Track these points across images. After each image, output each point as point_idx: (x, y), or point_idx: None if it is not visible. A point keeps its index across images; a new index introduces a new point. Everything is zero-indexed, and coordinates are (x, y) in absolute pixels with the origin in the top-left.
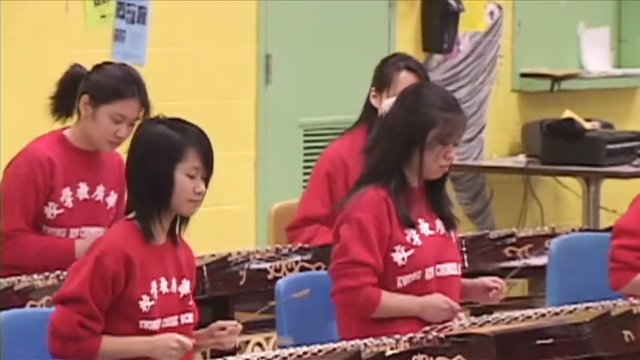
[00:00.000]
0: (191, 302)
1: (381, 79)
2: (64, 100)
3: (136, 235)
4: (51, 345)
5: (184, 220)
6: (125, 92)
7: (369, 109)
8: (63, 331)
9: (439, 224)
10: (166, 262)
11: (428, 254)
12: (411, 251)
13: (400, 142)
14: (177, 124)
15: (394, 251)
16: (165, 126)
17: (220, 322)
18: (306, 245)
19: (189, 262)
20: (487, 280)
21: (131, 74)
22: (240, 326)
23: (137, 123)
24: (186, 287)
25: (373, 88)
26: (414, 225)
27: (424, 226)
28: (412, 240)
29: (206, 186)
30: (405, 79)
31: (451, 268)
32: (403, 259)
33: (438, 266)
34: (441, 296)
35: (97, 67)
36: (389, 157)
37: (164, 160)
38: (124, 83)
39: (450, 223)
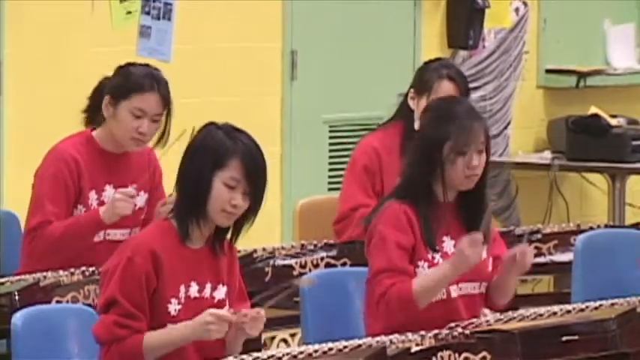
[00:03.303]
0: (226, 308)
1: (422, 84)
2: (95, 113)
3: (170, 234)
4: (101, 356)
5: (235, 231)
6: (143, 86)
7: (406, 109)
8: (103, 337)
9: None
10: (201, 266)
11: None
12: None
13: (422, 158)
14: (233, 132)
15: (417, 267)
16: (222, 131)
17: (243, 310)
18: (331, 241)
19: (232, 268)
20: (512, 251)
21: (150, 71)
22: (262, 312)
23: (160, 119)
24: (221, 293)
25: (412, 90)
26: (434, 246)
27: (449, 244)
28: (433, 258)
29: (257, 202)
30: (445, 88)
31: (472, 287)
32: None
33: (460, 285)
34: (458, 247)
35: (119, 68)
36: (414, 174)
37: (206, 163)
38: (142, 78)
39: None
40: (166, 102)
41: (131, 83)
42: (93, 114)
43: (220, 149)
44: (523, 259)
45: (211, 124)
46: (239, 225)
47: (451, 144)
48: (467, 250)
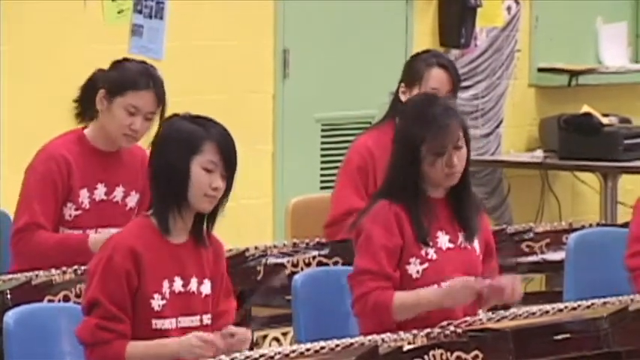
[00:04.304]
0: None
1: (412, 75)
2: (86, 104)
3: (149, 231)
4: (86, 356)
5: (211, 218)
6: (138, 84)
7: (398, 105)
8: (86, 339)
9: (462, 237)
10: (184, 261)
11: (444, 268)
12: (426, 265)
13: (402, 159)
14: (199, 119)
15: (409, 263)
16: (187, 121)
17: (232, 328)
18: (323, 240)
19: (217, 262)
20: (502, 280)
21: (147, 68)
22: (249, 334)
23: (154, 117)
24: (207, 287)
25: (402, 84)
26: (426, 241)
27: (443, 239)
28: (427, 254)
29: (229, 186)
30: (436, 75)
31: None
32: (418, 271)
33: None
34: (458, 279)
35: (116, 63)
36: (398, 172)
37: (181, 151)
38: (138, 76)
39: (467, 235)
40: (161, 100)
41: (127, 80)
42: (84, 106)
43: (193, 136)
44: (513, 294)
45: (174, 115)
46: (214, 210)
47: (428, 146)
48: (459, 289)
